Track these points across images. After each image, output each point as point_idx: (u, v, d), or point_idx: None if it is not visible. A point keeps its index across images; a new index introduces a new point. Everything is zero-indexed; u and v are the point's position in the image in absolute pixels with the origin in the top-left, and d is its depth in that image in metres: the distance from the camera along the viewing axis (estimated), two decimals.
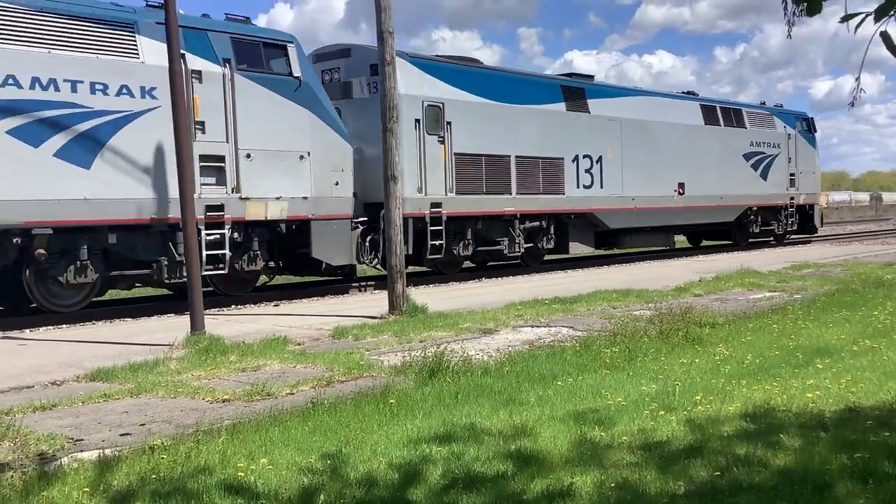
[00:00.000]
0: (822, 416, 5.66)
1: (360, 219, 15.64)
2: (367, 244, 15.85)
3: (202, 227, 12.89)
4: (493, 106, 18.25)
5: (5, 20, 11.36)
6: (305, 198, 14.47)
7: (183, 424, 6.03)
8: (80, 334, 11.00)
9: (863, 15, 3.10)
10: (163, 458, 5.01)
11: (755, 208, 26.80)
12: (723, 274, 16.50)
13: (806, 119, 29.84)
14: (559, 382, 7.12)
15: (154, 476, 4.70)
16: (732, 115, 26.01)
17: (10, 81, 11.26)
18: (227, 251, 13.40)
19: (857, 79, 3.54)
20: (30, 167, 11.39)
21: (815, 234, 30.98)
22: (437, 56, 18.56)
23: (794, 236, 29.70)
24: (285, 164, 14.19)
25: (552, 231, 19.82)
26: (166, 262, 12.95)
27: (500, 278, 18.29)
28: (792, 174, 28.33)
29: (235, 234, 13.72)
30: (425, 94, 16.87)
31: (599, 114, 20.90)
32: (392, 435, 5.54)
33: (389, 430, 5.65)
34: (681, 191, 23.32)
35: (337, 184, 15.01)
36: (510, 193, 18.48)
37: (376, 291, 15.45)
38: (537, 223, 19.38)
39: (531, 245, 19.38)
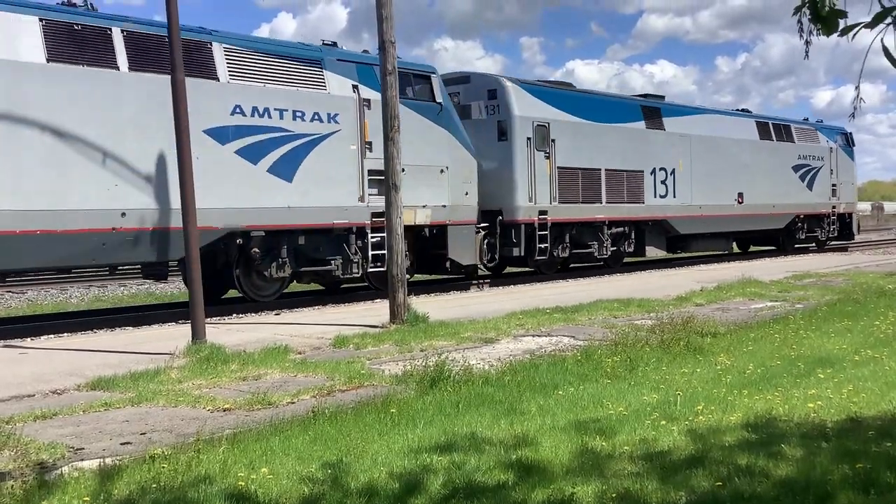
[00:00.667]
0: (823, 427, 5.65)
1: (482, 224, 18.12)
2: (485, 246, 18.23)
3: (369, 231, 15.53)
4: (587, 125, 20.73)
5: (234, 60, 13.88)
6: (444, 206, 16.92)
7: (183, 433, 6.03)
8: (80, 343, 10.99)
9: (860, 25, 3.11)
10: (163, 467, 5.00)
11: (802, 216, 29.05)
12: (724, 283, 16.48)
13: (845, 134, 31.97)
14: (560, 392, 7.11)
15: (154, 485, 4.70)
16: (782, 131, 28.44)
17: (237, 110, 13.75)
18: (379, 252, 15.51)
19: (857, 88, 3.54)
20: (250, 180, 13.81)
21: (852, 241, 32.78)
22: (540, 81, 21.17)
23: (833, 242, 31.55)
24: (429, 177, 16.57)
25: (632, 236, 22.20)
26: (341, 261, 15.36)
27: (502, 287, 18.29)
28: (834, 185, 30.57)
29: (381, 237, 15.55)
30: (534, 115, 19.36)
31: (672, 131, 23.46)
32: (393, 444, 5.53)
33: (390, 440, 5.64)
34: (740, 200, 25.82)
35: (467, 194, 17.48)
36: (601, 202, 21.03)
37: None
38: (621, 229, 21.77)
39: (615, 248, 21.67)
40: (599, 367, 8.10)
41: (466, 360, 8.37)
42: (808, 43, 3.44)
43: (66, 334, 11.96)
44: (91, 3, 12.79)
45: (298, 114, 14.55)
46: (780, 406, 6.30)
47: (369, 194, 15.43)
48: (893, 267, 20.91)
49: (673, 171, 23.15)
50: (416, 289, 17.01)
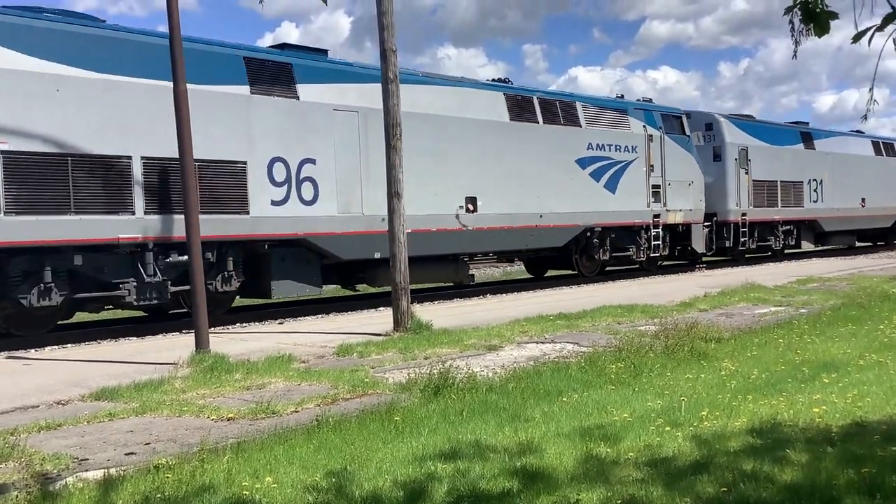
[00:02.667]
0: (828, 431, 5.64)
1: (706, 223, 24.68)
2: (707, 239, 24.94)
3: (651, 227, 22.28)
4: (768, 147, 27.47)
5: (587, 113, 20.78)
6: (690, 210, 23.67)
7: (188, 443, 6.02)
8: (85, 354, 11.00)
9: (872, 28, 3.12)
10: (168, 477, 5.00)
11: None
12: (728, 289, 16.46)
13: None
14: (564, 398, 7.10)
15: (159, 495, 4.69)
16: (890, 148, 35.40)
17: (590, 146, 20.60)
18: (660, 242, 22.63)
19: (871, 90, 3.55)
20: (596, 193, 20.74)
21: None
22: (735, 115, 27.75)
23: None
24: (683, 189, 23.37)
25: (794, 232, 28.80)
26: (634, 248, 21.98)
27: (506, 294, 18.29)
28: None
29: (661, 232, 22.67)
30: (738, 142, 26.21)
31: (820, 150, 30.34)
32: (397, 452, 5.52)
33: (394, 448, 5.63)
34: (863, 204, 32.53)
35: (701, 200, 24.06)
36: (777, 206, 27.79)
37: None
38: (789, 227, 28.54)
39: (784, 242, 28.42)
40: (603, 374, 8.09)
41: (470, 367, 8.37)
42: (797, 43, 3.46)
43: (69, 345, 11.97)
44: (509, 79, 20.13)
45: (617, 147, 21.37)
46: (785, 411, 6.29)
47: (652, 202, 22.30)
48: None
49: (821, 182, 29.87)
50: (420, 296, 17.01)
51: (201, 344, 9.88)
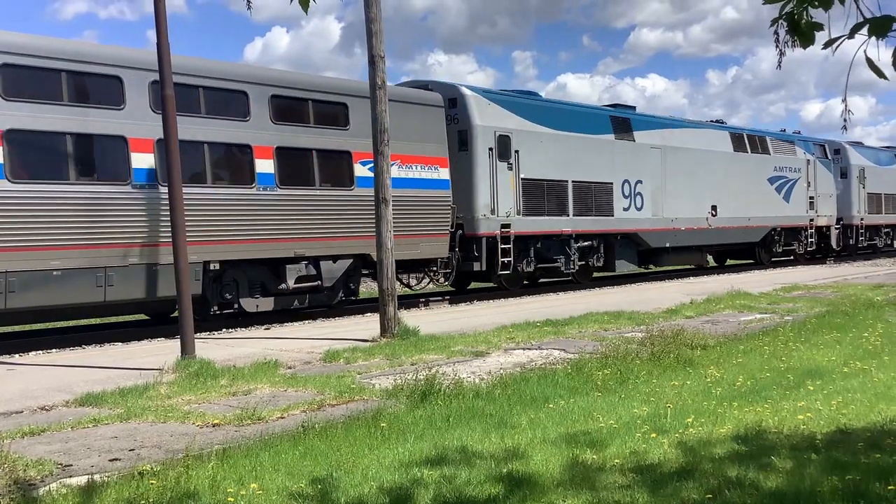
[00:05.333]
0: (813, 438, 5.67)
1: (837, 226, 32.15)
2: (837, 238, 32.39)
3: (808, 228, 30.22)
4: (875, 167, 35.08)
5: (772, 144, 28.83)
6: (830, 215, 31.50)
7: (172, 449, 5.99)
8: (69, 359, 10.93)
9: (842, 38, 3.15)
10: (152, 483, 4.97)
11: None
12: (714, 296, 16.53)
13: None
14: (551, 405, 7.11)
15: (143, 501, 4.67)
16: None
17: (774, 168, 28.77)
18: (813, 240, 30.24)
19: (844, 101, 3.59)
20: (776, 202, 28.37)
21: None
22: (853, 141, 35.62)
23: None
24: (826, 199, 31.08)
25: (891, 233, 37.00)
26: (797, 244, 29.88)
27: (491, 300, 18.30)
28: None
29: (814, 232, 30.37)
30: (858, 163, 33.82)
31: None
32: (383, 459, 5.51)
33: (380, 454, 5.63)
34: None
35: (835, 208, 31.59)
36: (882, 213, 35.33)
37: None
38: (888, 230, 36.43)
39: (886, 241, 36.35)
40: (590, 380, 8.10)
41: (457, 373, 8.36)
42: (782, 53, 3.50)
43: (54, 350, 11.89)
44: (723, 120, 29.04)
45: (790, 168, 29.23)
46: (770, 418, 6.32)
47: (808, 209, 30.05)
48: (881, 279, 21.03)
49: None
50: (408, 302, 17.01)
51: (187, 349, 9.84)
